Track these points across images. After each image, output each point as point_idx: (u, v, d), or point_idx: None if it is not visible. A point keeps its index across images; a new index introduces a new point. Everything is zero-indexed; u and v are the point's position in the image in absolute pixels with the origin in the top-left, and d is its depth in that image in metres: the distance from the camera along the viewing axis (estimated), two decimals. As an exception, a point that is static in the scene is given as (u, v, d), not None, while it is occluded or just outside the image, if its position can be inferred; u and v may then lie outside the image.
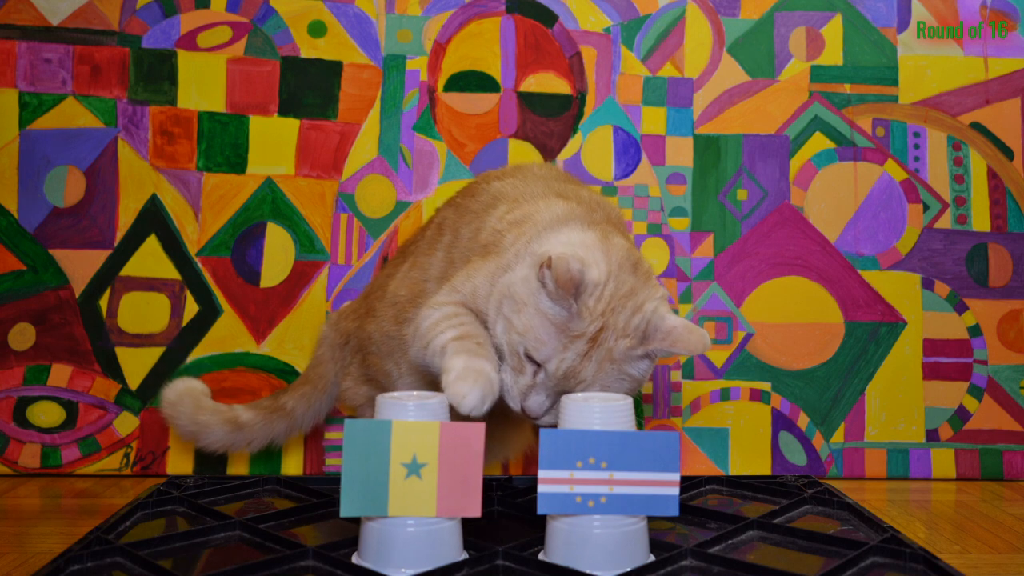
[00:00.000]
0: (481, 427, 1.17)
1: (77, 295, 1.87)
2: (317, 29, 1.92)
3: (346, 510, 1.14)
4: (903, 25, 1.96)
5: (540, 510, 1.14)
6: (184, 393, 1.67)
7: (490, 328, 1.29)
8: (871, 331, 1.90)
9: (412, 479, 1.15)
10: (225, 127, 1.90)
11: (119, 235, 1.88)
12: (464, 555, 1.21)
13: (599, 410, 1.16)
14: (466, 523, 1.38)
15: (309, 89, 1.92)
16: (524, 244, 1.33)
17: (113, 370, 1.86)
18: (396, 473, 1.15)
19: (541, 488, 1.13)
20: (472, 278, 1.36)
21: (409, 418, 1.16)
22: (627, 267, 1.28)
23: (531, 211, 1.40)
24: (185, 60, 1.91)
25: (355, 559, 1.20)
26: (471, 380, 1.19)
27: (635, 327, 1.24)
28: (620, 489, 1.14)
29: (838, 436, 1.89)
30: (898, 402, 1.89)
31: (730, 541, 1.32)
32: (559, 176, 1.58)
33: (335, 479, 1.61)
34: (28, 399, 1.85)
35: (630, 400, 1.20)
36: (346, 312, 1.71)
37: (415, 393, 1.25)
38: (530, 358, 1.24)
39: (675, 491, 1.15)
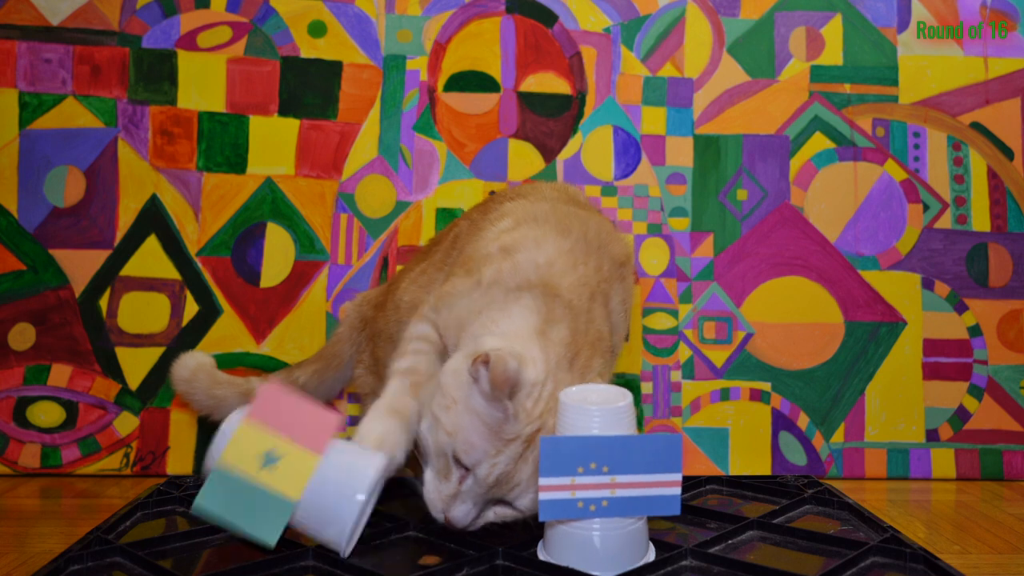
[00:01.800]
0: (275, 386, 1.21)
1: (77, 295, 1.87)
2: (317, 29, 1.92)
3: (272, 538, 1.16)
4: (903, 25, 1.96)
5: (541, 517, 1.13)
6: (197, 369, 1.67)
7: (421, 421, 1.23)
8: (871, 331, 1.90)
9: (267, 469, 1.16)
10: (225, 127, 1.90)
11: (119, 235, 1.88)
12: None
13: (597, 414, 1.14)
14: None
15: (309, 89, 1.92)
16: (480, 309, 1.27)
17: (113, 370, 1.86)
18: (260, 474, 1.16)
19: (542, 495, 1.11)
20: (449, 310, 1.32)
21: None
22: (564, 364, 1.21)
23: (520, 242, 1.34)
24: (185, 60, 1.91)
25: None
26: (375, 445, 1.22)
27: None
28: (622, 492, 1.13)
29: (838, 436, 1.88)
30: (898, 402, 1.89)
31: (730, 541, 1.32)
32: (568, 198, 1.53)
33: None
34: (28, 399, 1.85)
35: (630, 400, 1.18)
36: (370, 298, 1.72)
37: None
38: (458, 462, 1.16)
39: (677, 491, 1.14)
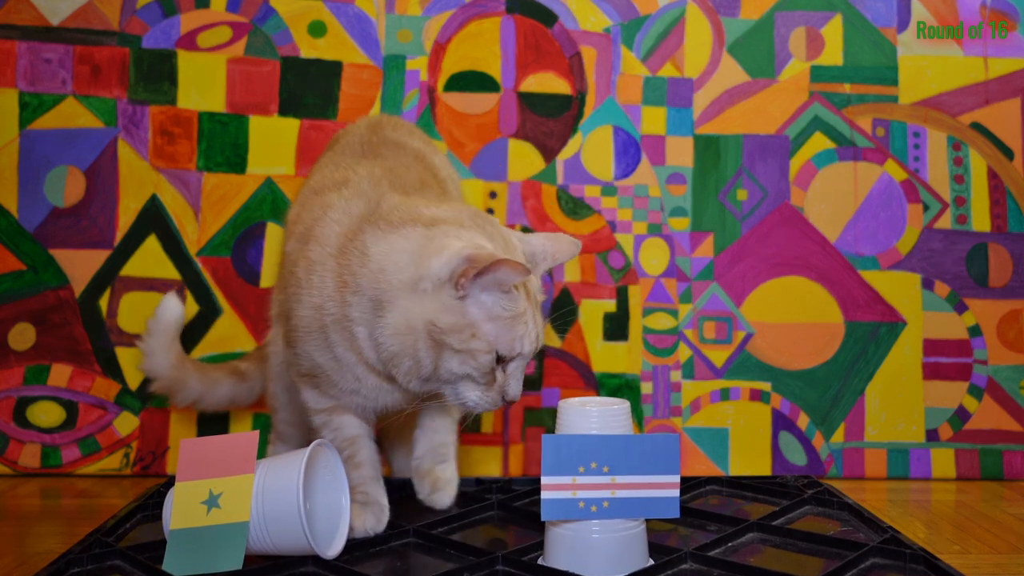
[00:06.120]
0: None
1: (77, 295, 1.87)
2: (317, 29, 1.92)
3: (237, 561, 1.15)
4: (903, 25, 1.95)
5: (544, 517, 1.14)
6: (180, 360, 1.69)
7: (421, 364, 1.21)
8: (871, 331, 1.90)
9: (213, 511, 1.17)
10: (225, 127, 1.90)
11: (119, 235, 1.88)
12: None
13: (596, 414, 1.16)
14: (466, 527, 1.38)
15: (309, 89, 1.91)
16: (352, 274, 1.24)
17: (113, 370, 1.86)
18: (209, 517, 1.17)
19: (545, 495, 1.13)
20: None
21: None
22: (481, 221, 1.26)
23: (317, 221, 1.32)
24: (185, 60, 1.90)
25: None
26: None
27: (528, 264, 1.26)
28: (622, 493, 1.14)
29: (838, 436, 1.89)
30: (898, 402, 1.89)
31: (730, 544, 1.32)
32: (370, 146, 1.47)
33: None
34: (28, 399, 1.85)
35: (627, 404, 1.19)
36: None
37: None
38: (506, 359, 1.21)
39: (676, 492, 1.15)
